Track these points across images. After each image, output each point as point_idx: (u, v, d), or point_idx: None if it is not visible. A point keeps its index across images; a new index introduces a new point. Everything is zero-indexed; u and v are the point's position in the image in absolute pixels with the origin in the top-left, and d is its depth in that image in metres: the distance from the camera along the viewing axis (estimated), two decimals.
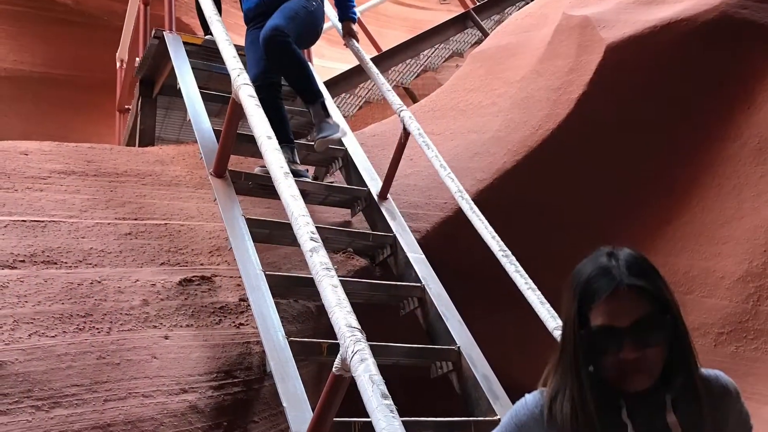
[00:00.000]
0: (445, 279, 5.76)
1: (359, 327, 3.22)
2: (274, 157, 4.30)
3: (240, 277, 4.97)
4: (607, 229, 7.11)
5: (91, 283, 4.81)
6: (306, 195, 5.57)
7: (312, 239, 3.75)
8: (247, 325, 5.02)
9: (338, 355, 3.30)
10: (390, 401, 2.81)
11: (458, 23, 13.78)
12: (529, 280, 5.07)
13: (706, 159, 7.01)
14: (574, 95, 7.16)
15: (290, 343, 4.57)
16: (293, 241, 4.54)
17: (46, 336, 4.27)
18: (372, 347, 3.11)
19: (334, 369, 3.47)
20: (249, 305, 4.86)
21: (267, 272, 4.99)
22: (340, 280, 3.54)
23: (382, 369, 2.97)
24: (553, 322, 4.72)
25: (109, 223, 5.52)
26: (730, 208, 6.79)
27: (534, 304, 4.93)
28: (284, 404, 4.16)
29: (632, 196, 7.20)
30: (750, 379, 6.18)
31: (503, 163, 7.19)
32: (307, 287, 5.10)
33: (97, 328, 4.50)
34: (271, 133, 4.53)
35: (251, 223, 5.37)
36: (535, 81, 7.68)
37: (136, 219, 5.70)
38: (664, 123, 7.07)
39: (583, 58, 7.25)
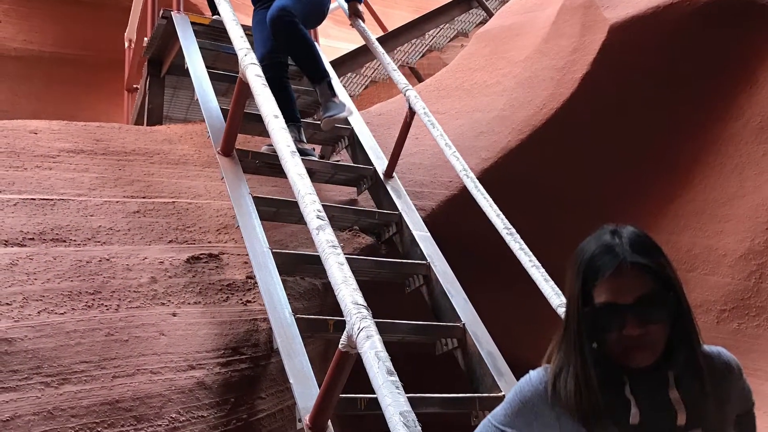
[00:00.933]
0: (450, 257, 5.75)
1: (365, 304, 3.22)
2: (280, 136, 4.29)
3: (247, 254, 4.97)
4: (610, 207, 7.11)
5: (100, 260, 4.81)
6: (312, 173, 5.57)
7: (318, 217, 3.75)
8: (254, 302, 5.02)
9: (344, 332, 3.31)
10: (395, 377, 2.81)
11: (463, 3, 13.75)
12: (533, 258, 5.06)
13: (709, 138, 7.00)
14: (577, 75, 7.15)
15: (297, 320, 4.57)
16: (300, 219, 4.54)
17: (55, 313, 4.26)
18: (378, 324, 3.11)
19: (340, 346, 3.47)
20: (256, 283, 4.86)
21: (274, 250, 4.98)
22: (346, 258, 3.54)
23: (388, 346, 2.97)
24: (557, 299, 4.71)
25: (117, 202, 5.51)
26: (732, 186, 6.79)
27: (538, 281, 4.93)
28: (291, 380, 4.16)
29: (635, 175, 7.20)
30: (752, 355, 6.19)
31: (507, 142, 7.18)
32: (314, 265, 5.09)
33: (106, 306, 4.50)
34: (278, 112, 4.52)
35: (258, 201, 5.36)
36: (540, 61, 7.66)
37: (144, 197, 5.69)
38: (666, 102, 7.05)
39: (586, 38, 7.23)
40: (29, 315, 4.15)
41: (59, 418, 3.82)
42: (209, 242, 5.44)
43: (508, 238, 5.21)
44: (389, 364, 2.87)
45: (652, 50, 7.01)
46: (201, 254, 5.22)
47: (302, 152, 5.58)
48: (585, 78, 7.08)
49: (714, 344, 2.59)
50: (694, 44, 6.94)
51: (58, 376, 3.95)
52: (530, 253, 5.09)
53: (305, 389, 4.10)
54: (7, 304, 4.15)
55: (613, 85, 7.09)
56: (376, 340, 3.00)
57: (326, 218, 3.76)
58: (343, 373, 3.62)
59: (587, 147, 7.12)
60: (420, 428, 2.64)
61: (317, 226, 3.70)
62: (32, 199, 5.17)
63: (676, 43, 6.96)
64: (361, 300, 3.24)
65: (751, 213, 6.58)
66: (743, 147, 6.80)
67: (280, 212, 5.65)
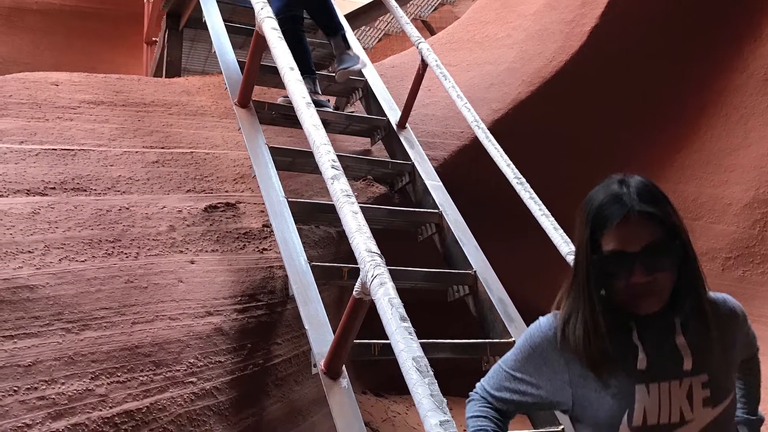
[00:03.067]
0: (462, 206, 5.73)
1: (379, 252, 3.21)
2: (296, 88, 4.27)
3: (263, 203, 4.95)
4: (618, 156, 7.10)
5: (120, 209, 4.80)
6: (327, 124, 5.54)
7: (333, 167, 3.73)
8: (270, 250, 5.02)
9: (359, 279, 3.30)
10: (408, 323, 2.80)
11: None
12: (543, 207, 5.03)
13: (714, 90, 6.98)
14: (586, 28, 7.11)
15: (312, 267, 4.56)
16: (315, 169, 4.51)
17: (76, 261, 4.26)
18: (391, 271, 3.09)
19: (354, 292, 3.47)
20: (272, 231, 4.85)
21: (289, 199, 4.96)
22: (360, 207, 3.53)
23: (401, 293, 2.96)
24: (566, 247, 4.69)
25: (136, 152, 5.49)
26: (737, 136, 6.78)
27: (548, 229, 4.90)
28: (306, 327, 4.16)
29: (643, 126, 7.19)
30: (756, 302, 6.19)
31: (518, 94, 7.15)
32: (329, 214, 5.06)
33: (125, 253, 4.49)
34: (294, 65, 4.49)
35: (274, 151, 5.33)
36: (549, 14, 7.62)
37: (162, 147, 5.68)
38: (672, 55, 7.04)
39: None
40: (50, 262, 4.15)
41: (80, 363, 3.82)
42: (226, 191, 5.43)
43: (518, 188, 5.18)
44: (402, 310, 2.86)
45: (658, 3, 6.96)
46: (218, 203, 5.20)
47: (317, 103, 5.55)
48: (593, 31, 7.05)
49: (719, 291, 2.58)
50: None
51: (78, 323, 3.95)
52: (540, 202, 5.06)
53: (320, 335, 4.10)
54: (29, 251, 4.14)
55: (620, 39, 7.05)
56: (390, 287, 2.99)
57: (341, 168, 3.74)
58: (357, 319, 3.62)
59: (596, 99, 7.10)
60: (432, 373, 2.63)
61: (332, 176, 3.68)
62: (53, 149, 5.16)
63: None
64: (374, 248, 3.23)
65: (755, 163, 6.57)
66: (748, 98, 6.78)
67: (295, 162, 5.63)
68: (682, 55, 7.02)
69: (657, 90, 7.10)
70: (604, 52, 7.07)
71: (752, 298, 6.20)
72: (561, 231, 4.84)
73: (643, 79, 7.08)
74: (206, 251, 4.81)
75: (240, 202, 5.33)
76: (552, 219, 4.94)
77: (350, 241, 3.36)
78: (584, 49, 7.07)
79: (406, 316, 2.85)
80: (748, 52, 6.85)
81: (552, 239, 4.84)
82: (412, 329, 2.82)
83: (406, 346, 2.72)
